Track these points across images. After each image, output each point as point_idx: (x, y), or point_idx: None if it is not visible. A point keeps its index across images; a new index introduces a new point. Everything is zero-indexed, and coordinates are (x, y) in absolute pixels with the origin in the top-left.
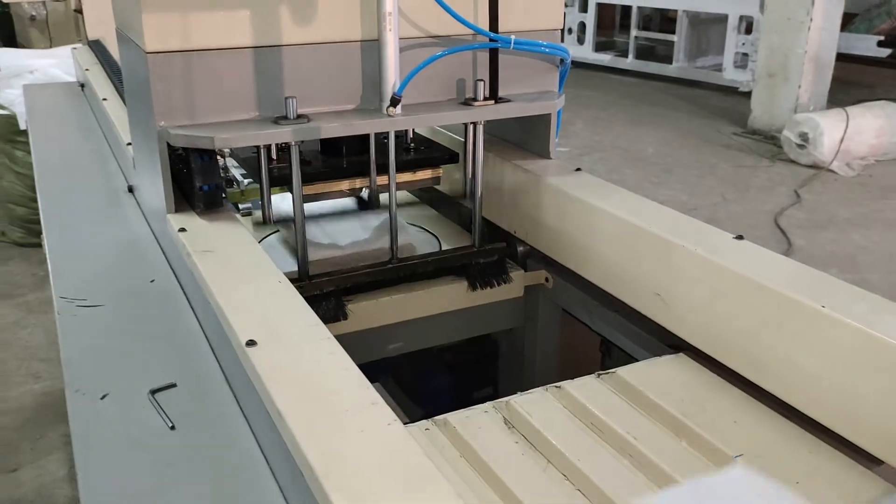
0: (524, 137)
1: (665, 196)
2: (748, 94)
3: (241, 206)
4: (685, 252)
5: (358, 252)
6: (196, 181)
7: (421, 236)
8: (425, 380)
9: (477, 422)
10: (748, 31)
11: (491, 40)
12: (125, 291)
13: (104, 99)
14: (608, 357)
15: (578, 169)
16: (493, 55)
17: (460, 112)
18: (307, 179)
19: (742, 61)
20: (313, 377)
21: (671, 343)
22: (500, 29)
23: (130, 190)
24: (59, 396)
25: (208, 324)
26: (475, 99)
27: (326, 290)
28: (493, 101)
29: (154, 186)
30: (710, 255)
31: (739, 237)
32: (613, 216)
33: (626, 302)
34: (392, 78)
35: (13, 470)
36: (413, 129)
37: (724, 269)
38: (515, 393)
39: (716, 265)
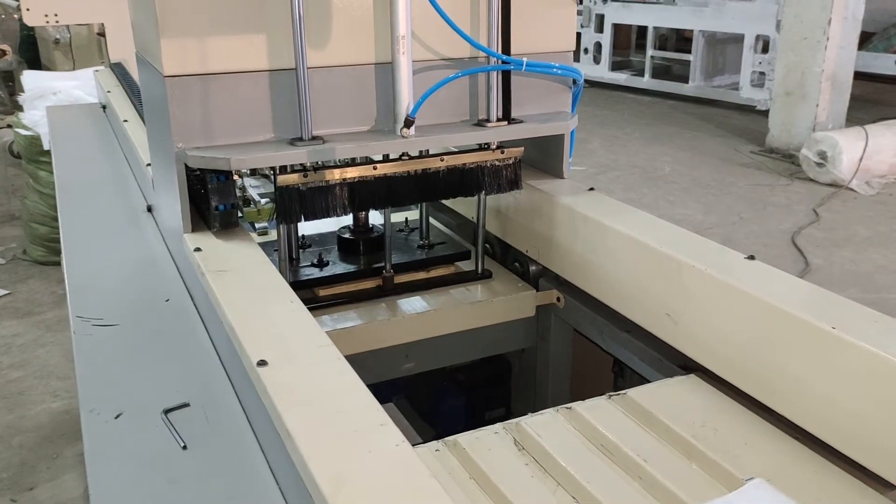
0: (538, 157)
1: (682, 215)
2: (765, 113)
3: (257, 226)
4: (696, 272)
5: None
6: (212, 201)
7: None
8: (437, 399)
9: (487, 443)
10: (765, 49)
11: (503, 62)
12: (141, 310)
13: (125, 120)
14: (621, 377)
15: (591, 189)
16: (506, 77)
17: (473, 133)
18: (325, 283)
19: (759, 80)
20: (323, 397)
21: (682, 364)
22: (513, 51)
23: (149, 209)
24: (76, 415)
25: (221, 343)
26: (488, 120)
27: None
28: (506, 122)
29: (171, 206)
30: (721, 275)
31: (751, 257)
32: (625, 236)
33: (638, 322)
34: (406, 100)
35: (30, 489)
36: (427, 225)
37: (735, 289)
38: (528, 413)
39: (727, 285)
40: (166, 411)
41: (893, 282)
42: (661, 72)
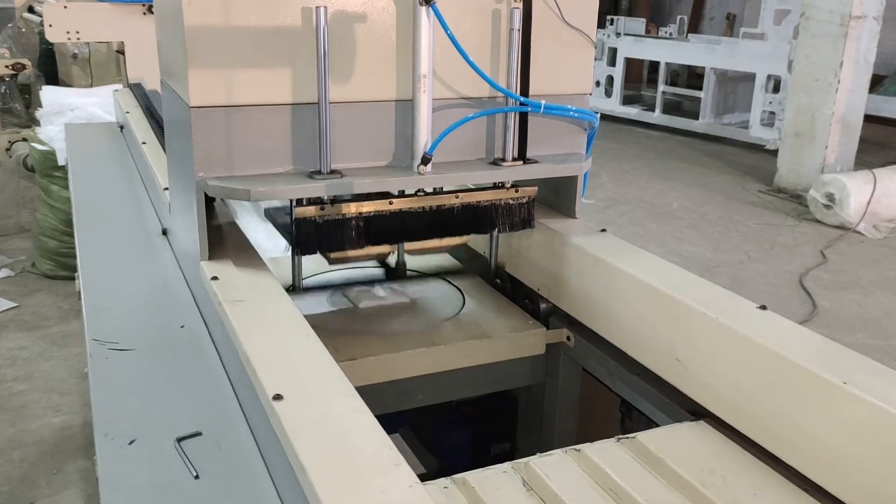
0: (550, 196)
1: (689, 252)
2: (774, 153)
3: None
4: (707, 319)
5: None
6: None
7: (444, 288)
8: (443, 432)
9: (495, 482)
10: (776, 89)
11: (521, 104)
12: (156, 336)
13: (143, 143)
14: (628, 418)
15: (604, 230)
16: (523, 117)
17: (489, 172)
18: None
19: (769, 119)
20: (338, 435)
21: (691, 409)
22: (531, 91)
23: (164, 233)
24: (78, 431)
25: (234, 372)
26: (504, 159)
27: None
28: (521, 162)
29: (188, 232)
30: (733, 323)
31: (763, 307)
32: (635, 279)
33: (647, 365)
34: (424, 137)
35: None
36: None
37: (746, 339)
38: (533, 449)
39: (738, 335)
40: (179, 439)
41: None
42: (671, 107)
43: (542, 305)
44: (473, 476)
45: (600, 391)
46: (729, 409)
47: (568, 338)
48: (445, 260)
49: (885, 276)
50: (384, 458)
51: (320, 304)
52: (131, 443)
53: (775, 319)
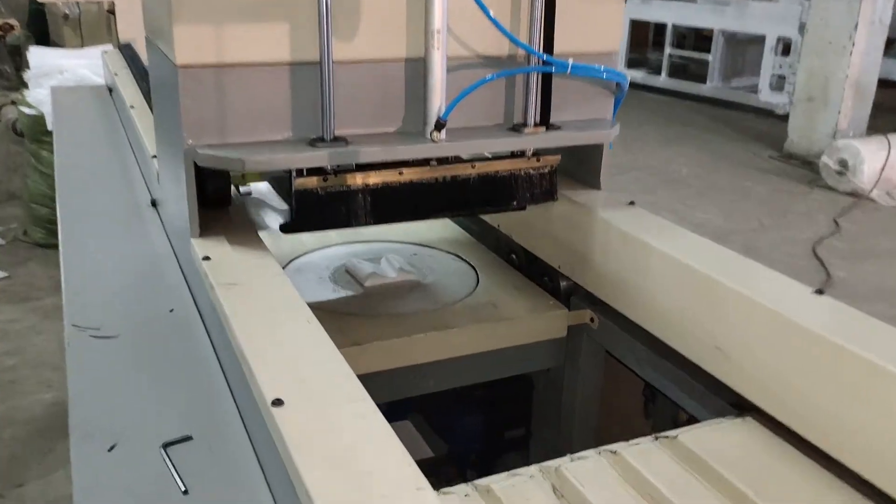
0: (572, 166)
1: (700, 220)
2: (784, 118)
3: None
4: (755, 305)
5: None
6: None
7: (455, 265)
8: (454, 416)
9: (523, 491)
10: (786, 52)
11: (544, 63)
12: (142, 321)
13: (131, 107)
14: (652, 403)
15: (632, 202)
16: (547, 79)
17: (509, 139)
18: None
19: (778, 83)
20: (349, 450)
21: (733, 401)
22: (555, 50)
23: (153, 204)
24: None
25: (230, 367)
26: (525, 125)
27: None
28: (543, 128)
29: (178, 205)
30: (785, 310)
31: (819, 291)
32: (672, 259)
33: (682, 352)
34: (438, 100)
35: (19, 485)
36: None
37: (801, 327)
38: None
39: (791, 323)
40: (166, 445)
41: None
42: (678, 71)
43: (563, 284)
44: (499, 484)
45: (622, 373)
46: (780, 405)
47: (591, 319)
48: (455, 233)
49: None
50: (402, 479)
51: (322, 282)
52: (111, 449)
53: (833, 305)
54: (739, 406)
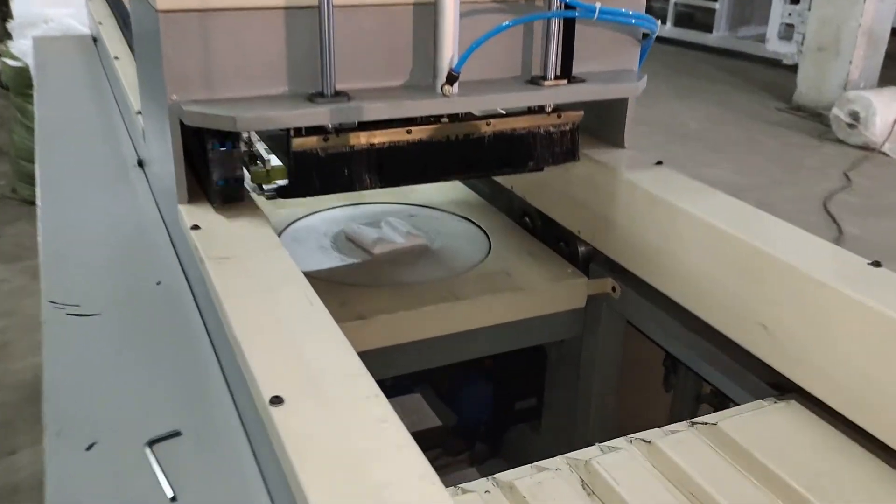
0: (593, 122)
1: (712, 176)
2: (792, 68)
3: (265, 188)
4: (807, 280)
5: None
6: (213, 173)
7: (466, 229)
8: (464, 387)
9: (549, 489)
10: (794, 0)
11: (568, 7)
12: (126, 296)
13: (116, 58)
14: (673, 373)
15: (659, 162)
16: (569, 26)
17: (528, 93)
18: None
19: (786, 32)
20: (359, 460)
21: (773, 381)
22: None
23: (140, 164)
24: None
25: (224, 351)
26: (544, 77)
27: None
28: (565, 81)
29: (164, 167)
30: (842, 284)
31: (876, 263)
32: (710, 226)
33: (717, 328)
34: (449, 50)
35: (11, 453)
36: None
37: (860, 304)
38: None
39: (848, 299)
40: (152, 442)
41: None
42: (683, 20)
43: (581, 249)
44: (523, 482)
45: (640, 342)
46: (833, 389)
47: (613, 288)
48: (464, 193)
49: None
50: (421, 496)
51: (324, 251)
52: (90, 447)
53: (892, 278)
54: (777, 386)
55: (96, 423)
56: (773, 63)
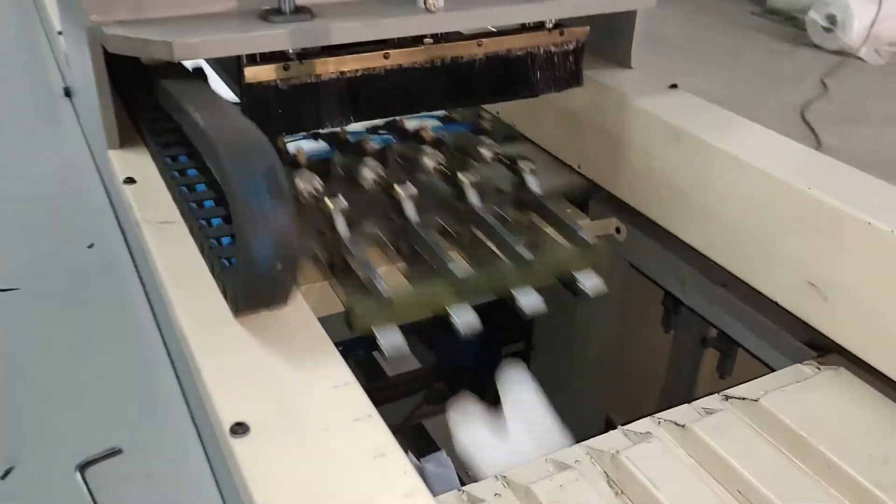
0: (595, 38)
1: (689, 85)
2: None
3: None
4: (876, 233)
5: None
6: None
7: None
8: (447, 332)
9: (571, 491)
10: None
11: None
12: (50, 263)
13: None
14: (674, 315)
15: (674, 85)
16: None
17: (525, 7)
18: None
19: None
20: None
21: (810, 341)
22: None
23: (67, 93)
24: None
25: (172, 341)
26: None
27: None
28: None
29: (90, 102)
30: None
31: None
32: (743, 163)
33: (756, 286)
34: None
35: None
36: None
37: None
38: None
39: None
40: (83, 466)
41: None
42: None
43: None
44: (540, 486)
45: (639, 281)
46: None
47: (617, 230)
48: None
49: (895, 108)
50: None
51: None
52: (6, 474)
53: None
54: (814, 345)
55: (14, 440)
56: None
